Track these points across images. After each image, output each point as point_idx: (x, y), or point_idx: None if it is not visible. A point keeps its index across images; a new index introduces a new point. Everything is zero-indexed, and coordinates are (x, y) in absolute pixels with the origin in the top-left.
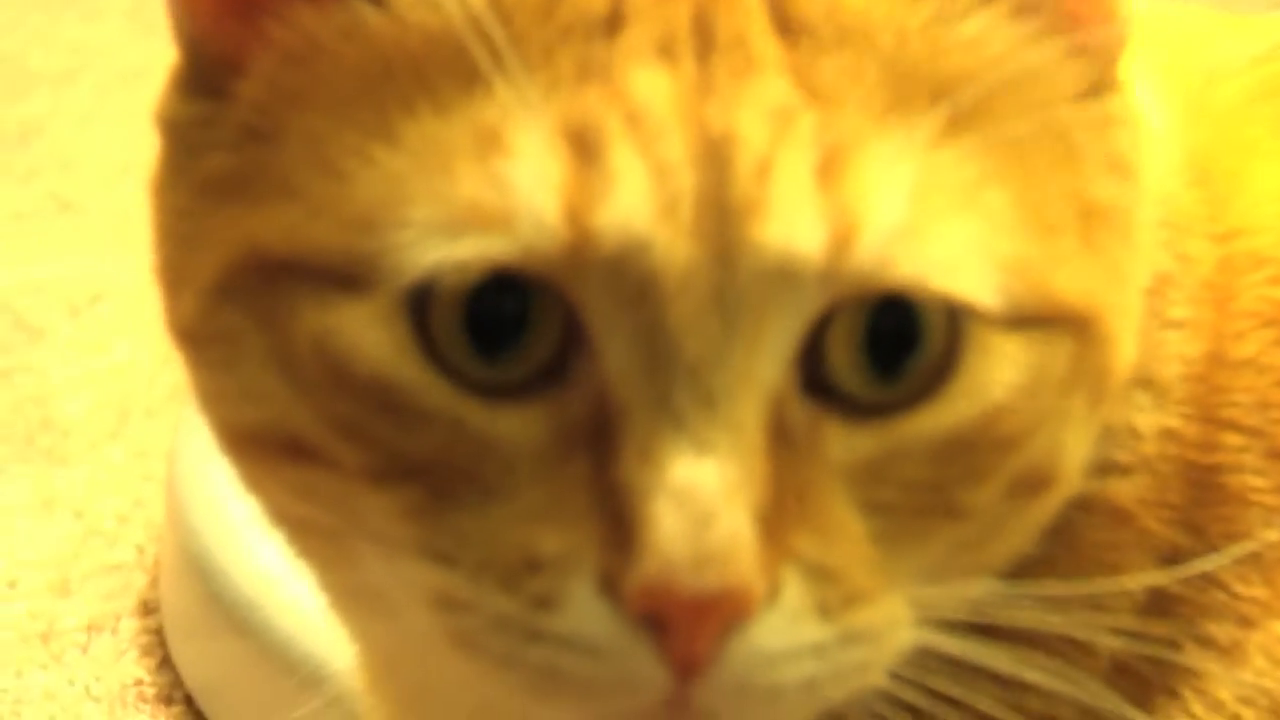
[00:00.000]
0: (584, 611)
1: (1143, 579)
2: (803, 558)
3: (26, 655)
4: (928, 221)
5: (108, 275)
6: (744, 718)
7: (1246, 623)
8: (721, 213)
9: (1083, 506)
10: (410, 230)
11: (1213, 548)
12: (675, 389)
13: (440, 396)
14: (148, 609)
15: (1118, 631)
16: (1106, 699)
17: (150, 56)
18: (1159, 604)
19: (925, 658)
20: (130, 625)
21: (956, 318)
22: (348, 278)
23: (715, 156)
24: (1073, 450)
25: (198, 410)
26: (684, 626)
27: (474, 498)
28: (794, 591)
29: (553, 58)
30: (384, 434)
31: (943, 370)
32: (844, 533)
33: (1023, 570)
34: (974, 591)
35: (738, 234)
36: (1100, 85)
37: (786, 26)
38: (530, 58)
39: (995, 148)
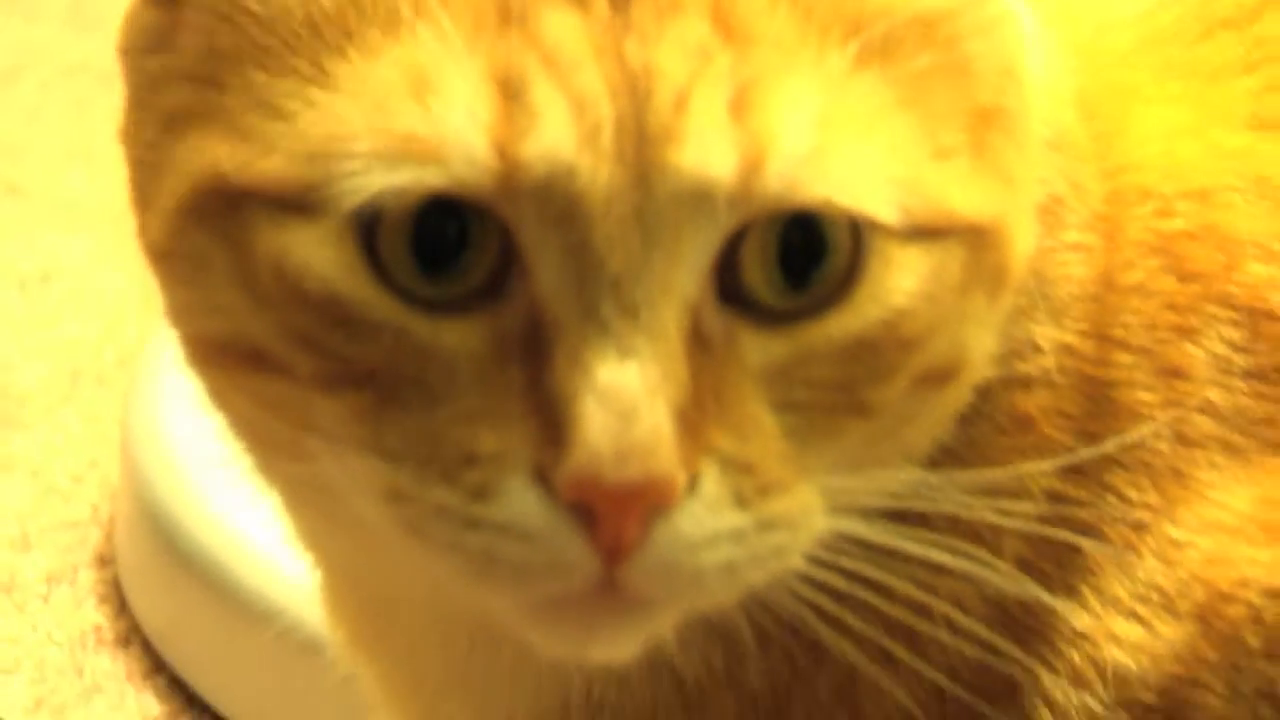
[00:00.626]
0: (518, 501)
1: (1043, 465)
2: (720, 452)
3: None
4: (833, 147)
5: (55, 255)
6: (668, 598)
7: (1140, 526)
8: (641, 140)
9: (990, 415)
10: (354, 161)
11: (1107, 457)
12: (600, 301)
13: (387, 311)
14: (104, 561)
15: (1020, 532)
16: (1014, 581)
17: (89, 54)
18: (1058, 507)
19: (844, 542)
20: (88, 576)
21: (860, 232)
22: (300, 204)
23: (634, 89)
24: (975, 342)
25: (161, 352)
26: (610, 514)
27: (418, 401)
28: (712, 482)
29: (473, 2)
30: (335, 345)
31: (848, 280)
32: (758, 429)
33: (937, 464)
34: (893, 480)
35: (656, 159)
36: None
37: None
38: (451, 3)
39: (900, 79)
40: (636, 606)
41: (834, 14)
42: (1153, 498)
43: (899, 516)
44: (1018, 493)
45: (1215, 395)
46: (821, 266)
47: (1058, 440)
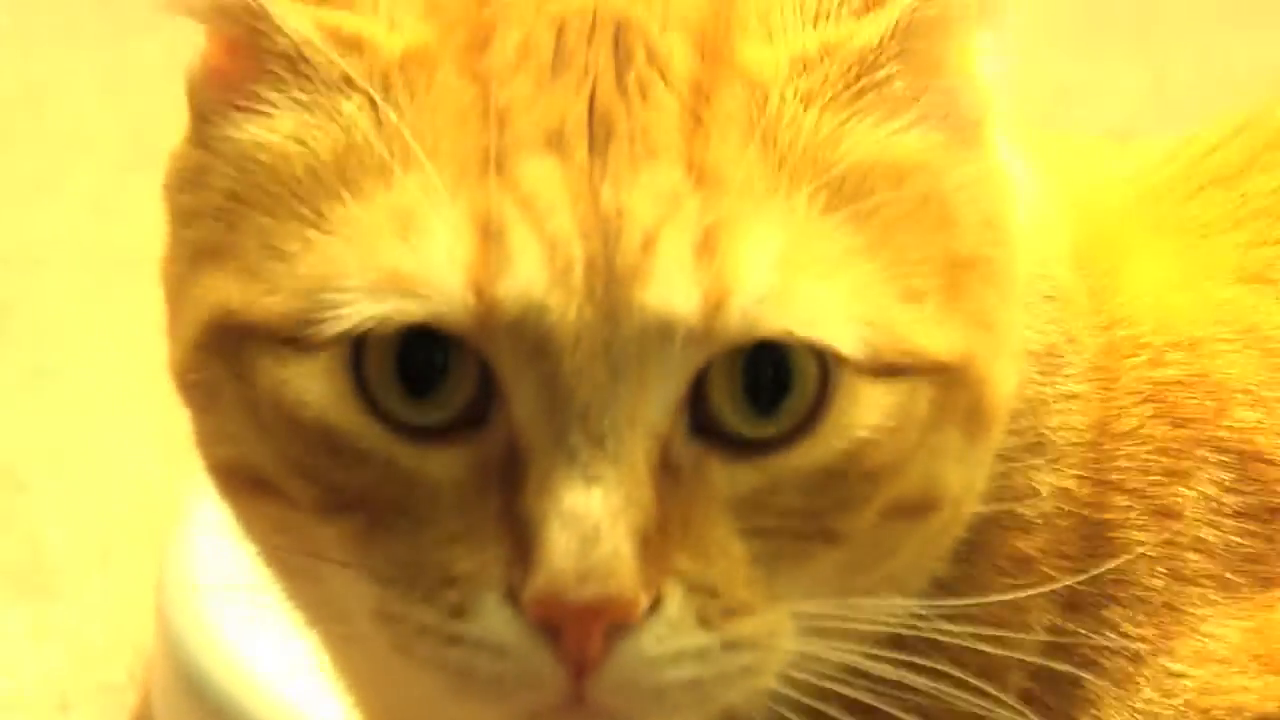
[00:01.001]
0: (491, 618)
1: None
2: (684, 575)
3: None
4: (795, 285)
5: (84, 431)
6: (636, 714)
7: (1137, 659)
8: (610, 279)
9: (989, 556)
10: (343, 294)
11: (1105, 594)
12: (569, 430)
13: (375, 439)
14: None
15: (1024, 666)
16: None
17: (112, 241)
18: (1060, 641)
19: (846, 672)
20: None
21: (827, 367)
22: (296, 339)
23: (605, 231)
24: (954, 477)
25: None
26: (573, 631)
27: (404, 525)
28: (675, 603)
29: (456, 147)
30: (328, 472)
31: (815, 413)
32: (725, 553)
33: (936, 599)
34: (885, 610)
35: (623, 297)
36: (969, 144)
37: (698, 119)
38: (439, 157)
39: (869, 224)
40: None
41: (805, 161)
42: (1149, 631)
43: (904, 645)
44: (1020, 627)
45: (1207, 534)
46: (789, 398)
47: (1057, 579)
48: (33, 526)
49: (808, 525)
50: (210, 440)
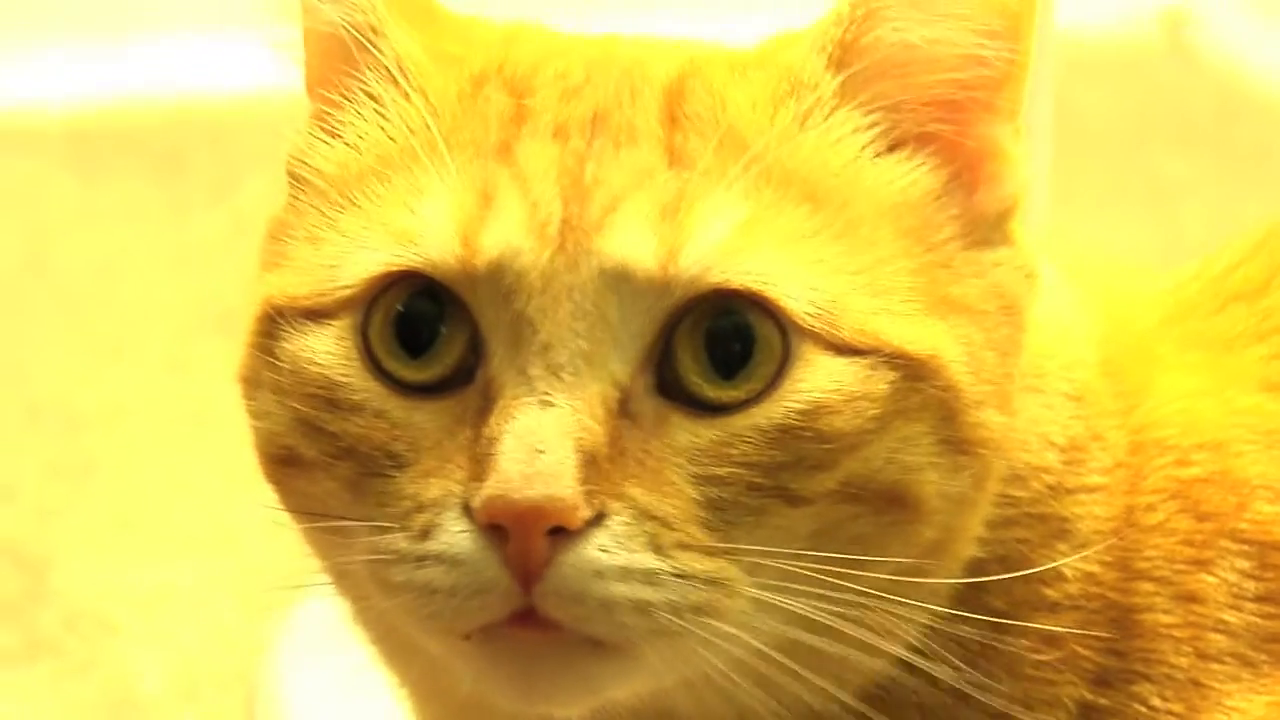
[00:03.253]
0: (451, 532)
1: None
2: (633, 500)
3: None
4: (750, 246)
5: (169, 578)
6: (583, 626)
7: None
8: (578, 233)
9: (1023, 635)
10: (354, 259)
11: (1134, 670)
12: (531, 362)
13: (371, 393)
14: None
15: None
16: None
17: (187, 396)
18: (1090, 717)
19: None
20: None
21: (789, 339)
22: (318, 311)
23: (582, 197)
24: (929, 486)
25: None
26: (518, 532)
27: (388, 467)
28: (621, 523)
29: (477, 141)
30: (330, 425)
31: (776, 379)
32: (679, 494)
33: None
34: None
35: (585, 245)
36: (990, 236)
37: (673, 117)
38: (456, 145)
39: (835, 219)
40: (570, 652)
41: (774, 161)
42: (1176, 706)
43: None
44: (1052, 704)
45: (1229, 616)
46: (749, 363)
47: (1088, 658)
48: (123, 666)
49: (765, 480)
50: (256, 428)
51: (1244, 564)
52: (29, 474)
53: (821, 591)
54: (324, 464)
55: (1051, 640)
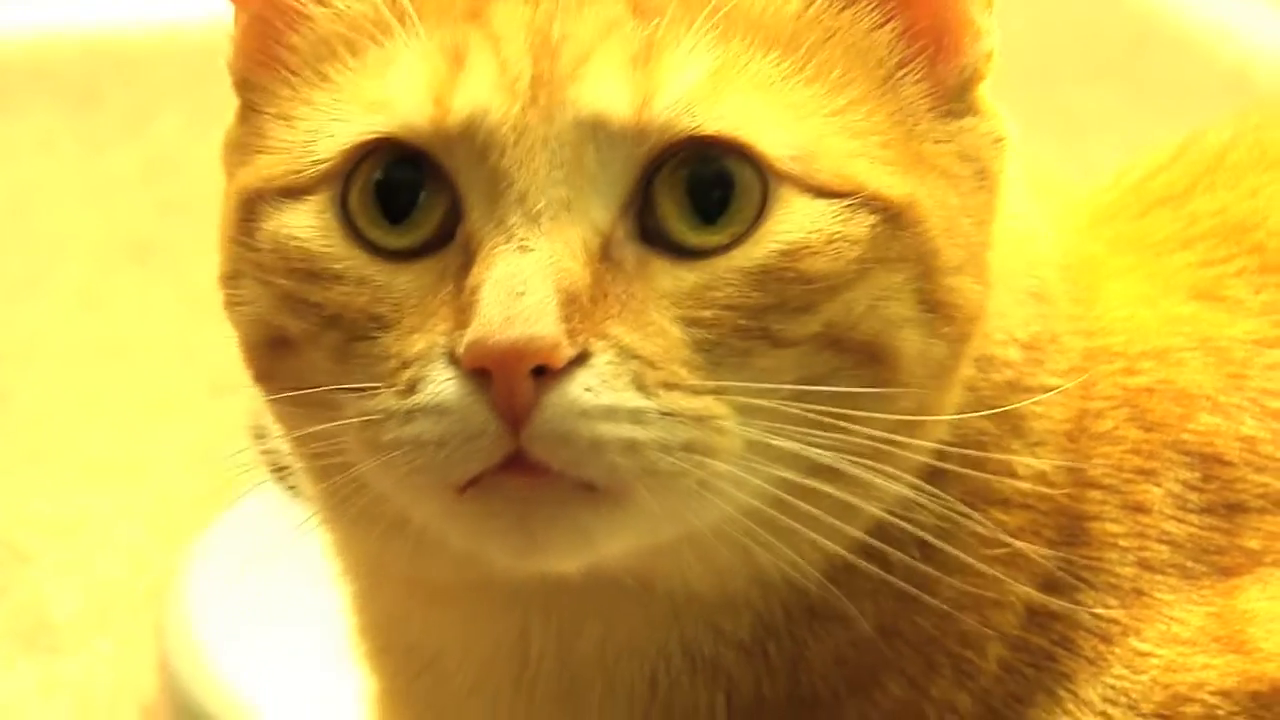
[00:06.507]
0: (437, 382)
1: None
2: (616, 340)
3: None
4: (723, 91)
5: (84, 509)
6: (573, 467)
7: (1108, 639)
8: (550, 86)
9: (971, 529)
10: (328, 132)
11: (1080, 578)
12: (509, 213)
13: (353, 260)
14: None
15: (1004, 637)
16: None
17: (99, 332)
18: (1037, 619)
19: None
20: None
21: (767, 182)
22: (295, 188)
23: (552, 52)
24: (908, 344)
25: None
26: (501, 375)
27: (373, 330)
28: (605, 362)
29: (446, 7)
30: (313, 296)
31: (756, 222)
32: (663, 334)
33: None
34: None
35: (559, 97)
36: (955, 107)
37: None
38: (426, 13)
39: (805, 64)
40: (565, 498)
41: (752, 26)
42: (1119, 614)
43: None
44: (1000, 604)
45: (1172, 528)
46: (729, 208)
47: (1034, 560)
48: (37, 593)
49: (749, 322)
50: (240, 321)
51: (1188, 475)
52: None
53: (810, 433)
54: (310, 335)
55: (1000, 538)
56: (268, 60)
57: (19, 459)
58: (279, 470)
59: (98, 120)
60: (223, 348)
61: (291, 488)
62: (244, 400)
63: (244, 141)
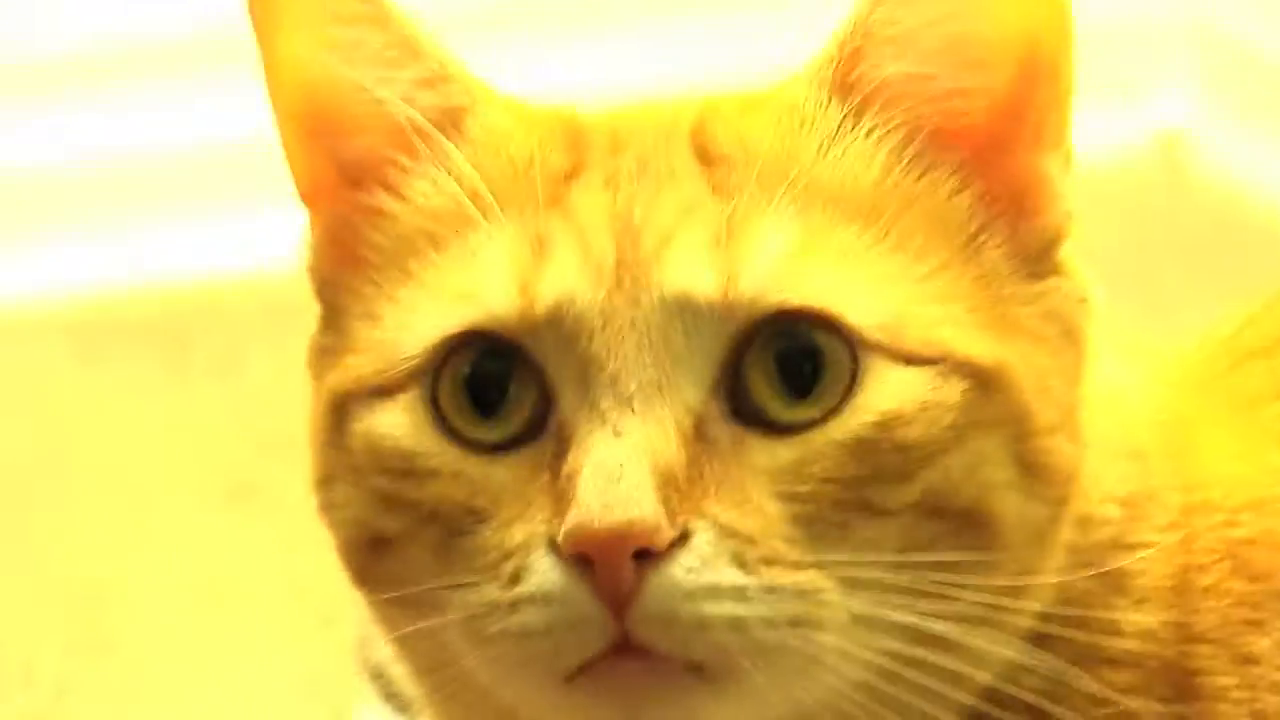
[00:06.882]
0: (540, 571)
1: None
2: (715, 518)
3: None
4: (808, 265)
5: None
6: (680, 649)
7: None
8: (635, 271)
9: (1083, 693)
10: (417, 328)
11: None
12: (601, 397)
13: (448, 457)
14: None
15: None
16: None
17: (204, 572)
18: None
19: None
20: None
21: (856, 354)
22: (384, 388)
23: (634, 237)
24: (1007, 505)
25: None
26: (604, 561)
27: (472, 524)
28: (705, 541)
29: (527, 200)
30: (409, 494)
31: (848, 394)
32: (761, 511)
33: None
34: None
35: (644, 280)
36: (1038, 269)
37: (706, 156)
38: (507, 203)
39: (887, 233)
40: (673, 681)
41: (812, 181)
42: None
43: None
44: None
45: None
46: (820, 382)
47: (1146, 713)
48: None
49: (847, 494)
50: (336, 525)
51: None
52: (48, 654)
53: (915, 602)
54: (408, 533)
55: (1111, 696)
56: (350, 260)
57: (129, 709)
58: (380, 679)
59: (188, 365)
60: (330, 579)
61: (392, 695)
62: (351, 627)
63: (330, 345)
